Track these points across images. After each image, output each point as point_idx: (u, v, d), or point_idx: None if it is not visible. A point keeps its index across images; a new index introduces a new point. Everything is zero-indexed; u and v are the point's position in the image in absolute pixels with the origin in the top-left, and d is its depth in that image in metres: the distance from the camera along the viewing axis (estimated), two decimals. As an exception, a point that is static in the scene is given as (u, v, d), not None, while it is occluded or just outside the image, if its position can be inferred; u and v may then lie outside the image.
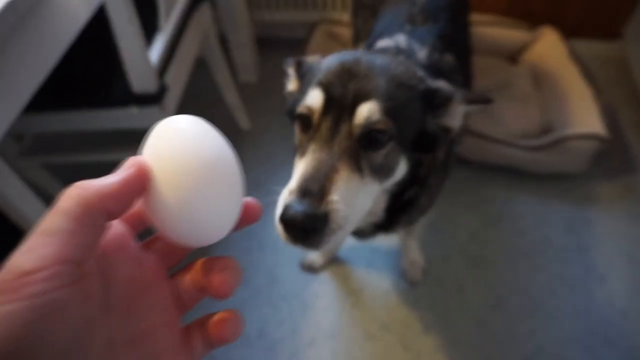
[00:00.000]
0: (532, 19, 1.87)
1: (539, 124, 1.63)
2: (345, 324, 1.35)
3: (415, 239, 1.41)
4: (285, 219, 0.58)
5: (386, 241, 1.49)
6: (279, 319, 1.37)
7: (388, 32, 1.06)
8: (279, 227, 0.60)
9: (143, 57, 0.98)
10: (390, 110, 0.65)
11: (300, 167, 0.63)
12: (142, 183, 0.30)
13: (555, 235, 1.49)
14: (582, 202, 1.56)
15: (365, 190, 0.66)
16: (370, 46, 1.10)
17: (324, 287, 1.43)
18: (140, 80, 1.03)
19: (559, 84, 1.68)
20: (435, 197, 1.00)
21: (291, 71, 0.82)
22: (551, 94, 1.68)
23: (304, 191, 0.59)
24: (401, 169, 0.72)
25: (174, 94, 1.17)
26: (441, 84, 0.73)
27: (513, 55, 1.89)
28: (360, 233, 0.95)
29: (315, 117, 0.66)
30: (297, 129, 0.71)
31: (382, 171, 0.68)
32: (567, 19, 1.87)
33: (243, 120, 1.79)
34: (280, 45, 2.15)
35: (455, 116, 0.73)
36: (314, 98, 0.67)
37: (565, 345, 1.27)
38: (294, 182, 0.62)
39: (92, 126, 1.17)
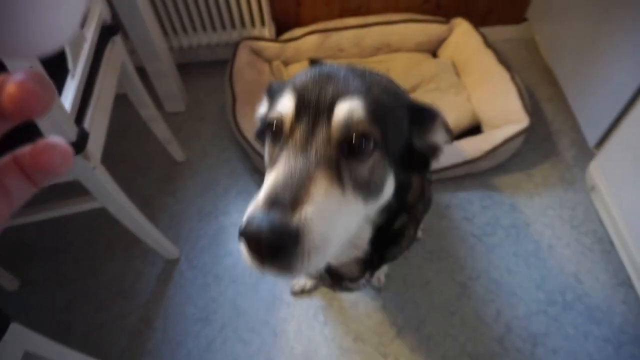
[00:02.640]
0: (445, 13, 1.96)
1: (468, 111, 1.69)
2: (319, 343, 1.31)
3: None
4: (248, 234, 0.46)
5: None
6: (251, 352, 1.31)
7: None
8: (242, 248, 0.49)
9: (55, 104, 0.89)
10: (376, 112, 0.56)
11: (270, 177, 0.53)
12: None
13: (502, 214, 1.55)
14: (519, 178, 1.64)
15: (347, 209, 0.55)
16: None
17: (291, 309, 1.39)
18: (55, 130, 0.94)
19: (478, 71, 1.76)
20: (419, 225, 0.95)
21: (264, 96, 0.74)
22: (474, 83, 1.75)
23: (272, 201, 0.48)
24: (388, 189, 0.63)
25: (96, 139, 1.08)
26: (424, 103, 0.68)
27: (435, 50, 1.96)
28: (349, 279, 0.87)
29: (287, 123, 0.57)
30: (267, 143, 0.62)
31: (367, 188, 0.57)
32: (477, 8, 1.98)
33: (177, 152, 1.71)
34: (204, 69, 2.08)
35: (440, 135, 0.67)
36: (285, 102, 0.58)
37: (531, 318, 1.32)
38: (261, 193, 0.51)
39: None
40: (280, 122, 0.58)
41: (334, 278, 0.88)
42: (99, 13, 1.18)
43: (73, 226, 1.59)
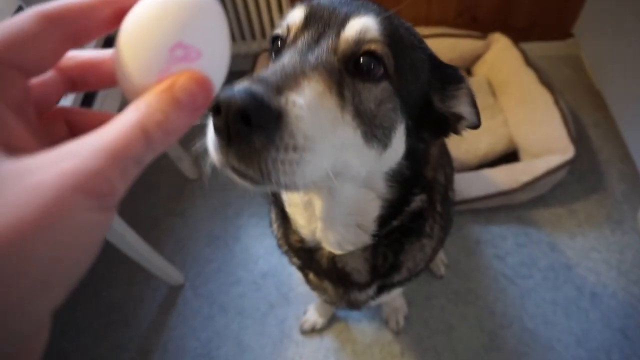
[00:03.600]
0: (482, 27, 1.80)
1: (504, 136, 1.54)
2: (328, 392, 1.19)
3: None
4: (220, 102, 0.36)
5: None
6: (253, 397, 1.20)
7: None
8: (209, 133, 0.40)
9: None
10: (392, 39, 0.50)
11: None
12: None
13: (539, 254, 1.39)
14: (560, 214, 1.47)
15: (344, 134, 0.47)
16: None
17: (299, 349, 1.27)
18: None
19: (517, 92, 1.60)
20: (448, 229, 0.85)
21: None
22: (511, 105, 1.60)
23: (256, 79, 0.40)
24: (398, 143, 0.54)
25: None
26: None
27: (469, 67, 1.81)
28: (357, 285, 0.75)
29: (293, 32, 0.51)
30: (270, 62, 0.55)
31: (371, 124, 0.49)
32: (516, 23, 1.82)
33: (188, 169, 1.62)
34: (222, 80, 2.00)
35: (465, 107, 0.59)
36: (295, 13, 0.52)
37: (570, 380, 1.16)
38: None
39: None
40: (285, 34, 0.52)
41: (340, 280, 0.75)
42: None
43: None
